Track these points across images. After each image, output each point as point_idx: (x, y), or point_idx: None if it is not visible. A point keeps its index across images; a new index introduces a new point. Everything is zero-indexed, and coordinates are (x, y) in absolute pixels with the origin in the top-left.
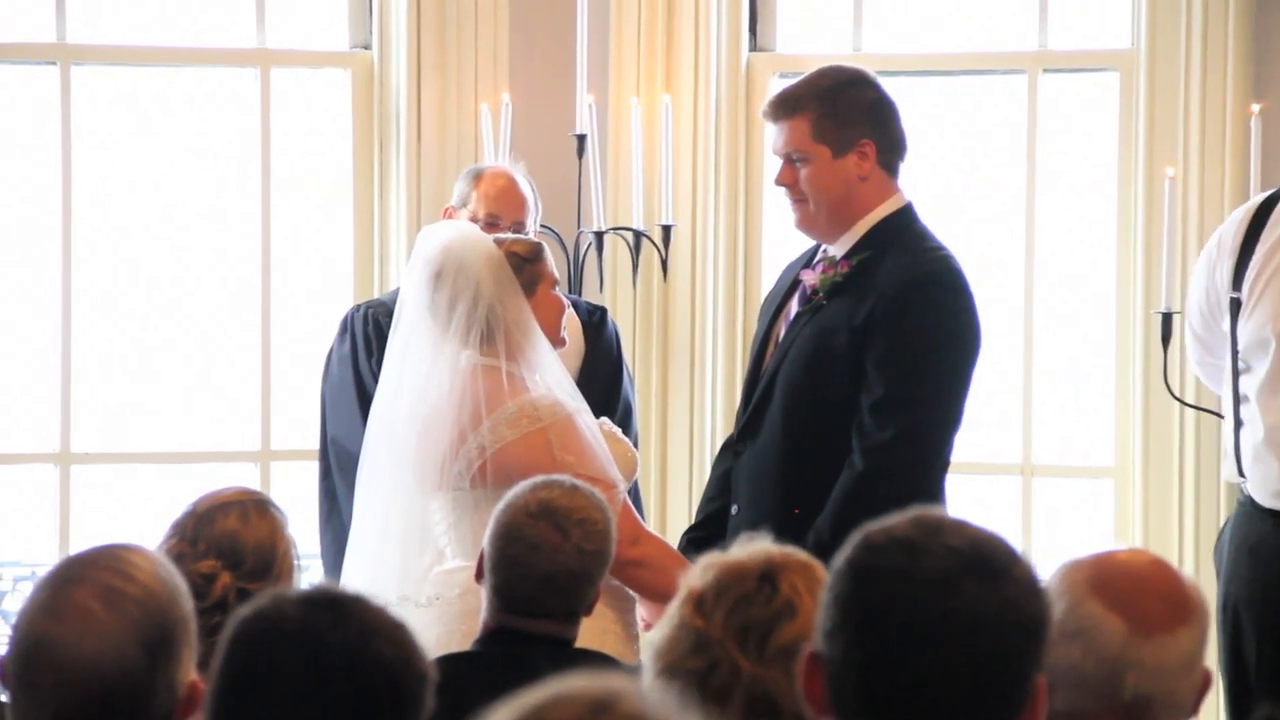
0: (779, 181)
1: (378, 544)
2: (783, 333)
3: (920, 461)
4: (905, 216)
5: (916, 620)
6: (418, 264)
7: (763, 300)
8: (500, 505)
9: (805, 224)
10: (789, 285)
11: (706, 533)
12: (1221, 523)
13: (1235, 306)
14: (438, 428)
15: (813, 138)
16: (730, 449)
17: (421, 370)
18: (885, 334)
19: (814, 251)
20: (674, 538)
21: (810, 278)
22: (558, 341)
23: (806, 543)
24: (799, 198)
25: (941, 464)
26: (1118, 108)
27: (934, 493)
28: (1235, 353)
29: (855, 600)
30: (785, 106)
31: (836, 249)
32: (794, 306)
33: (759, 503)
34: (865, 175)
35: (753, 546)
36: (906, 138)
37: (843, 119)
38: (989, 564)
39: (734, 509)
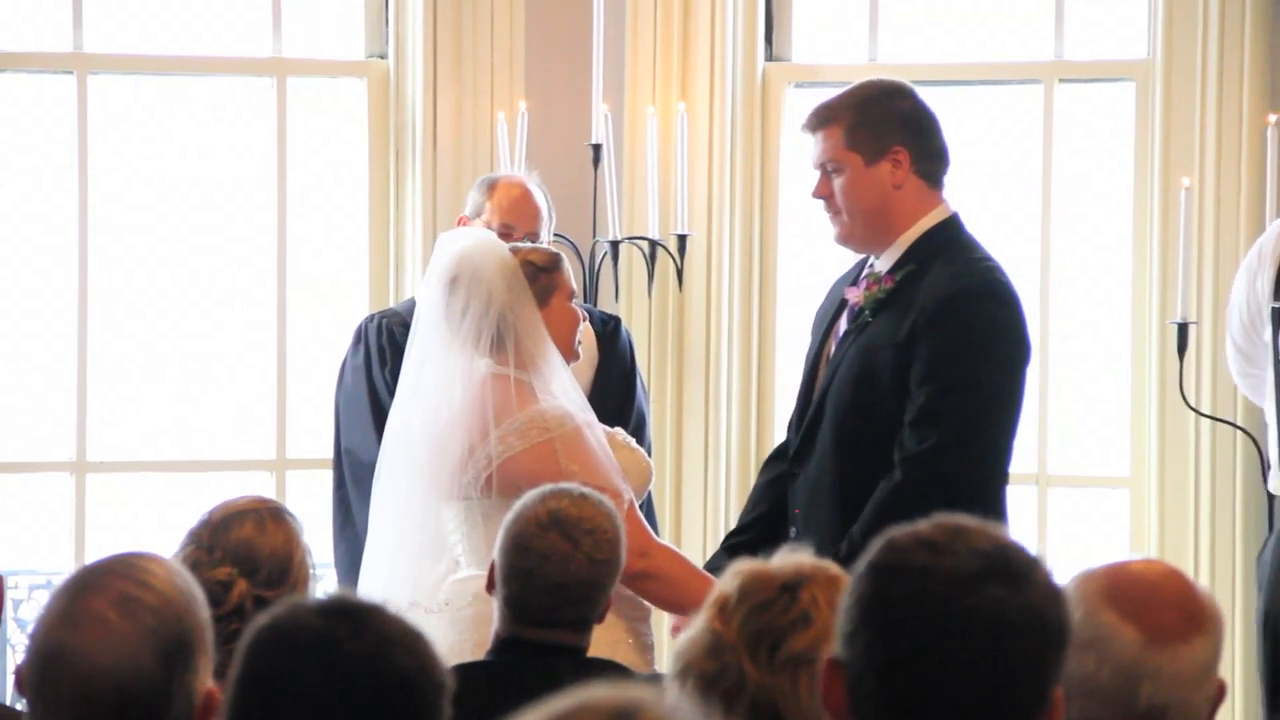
0: (815, 194)
1: (392, 551)
2: (833, 351)
3: (960, 474)
4: (951, 227)
5: (938, 618)
6: (435, 270)
7: (779, 313)
8: (509, 516)
9: (843, 236)
10: (839, 302)
11: (746, 537)
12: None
13: (1276, 316)
14: (450, 436)
15: (845, 146)
16: (777, 459)
17: (436, 377)
18: (926, 348)
19: (861, 266)
20: (689, 547)
21: (854, 295)
22: (571, 354)
23: (839, 551)
24: (835, 211)
25: (987, 476)
26: (1134, 118)
27: (978, 506)
28: (1278, 363)
29: (877, 599)
30: (820, 117)
31: (882, 263)
32: (843, 324)
33: (814, 525)
34: (900, 184)
35: (790, 557)
36: (948, 148)
37: (875, 127)
38: (1012, 567)
39: (792, 531)
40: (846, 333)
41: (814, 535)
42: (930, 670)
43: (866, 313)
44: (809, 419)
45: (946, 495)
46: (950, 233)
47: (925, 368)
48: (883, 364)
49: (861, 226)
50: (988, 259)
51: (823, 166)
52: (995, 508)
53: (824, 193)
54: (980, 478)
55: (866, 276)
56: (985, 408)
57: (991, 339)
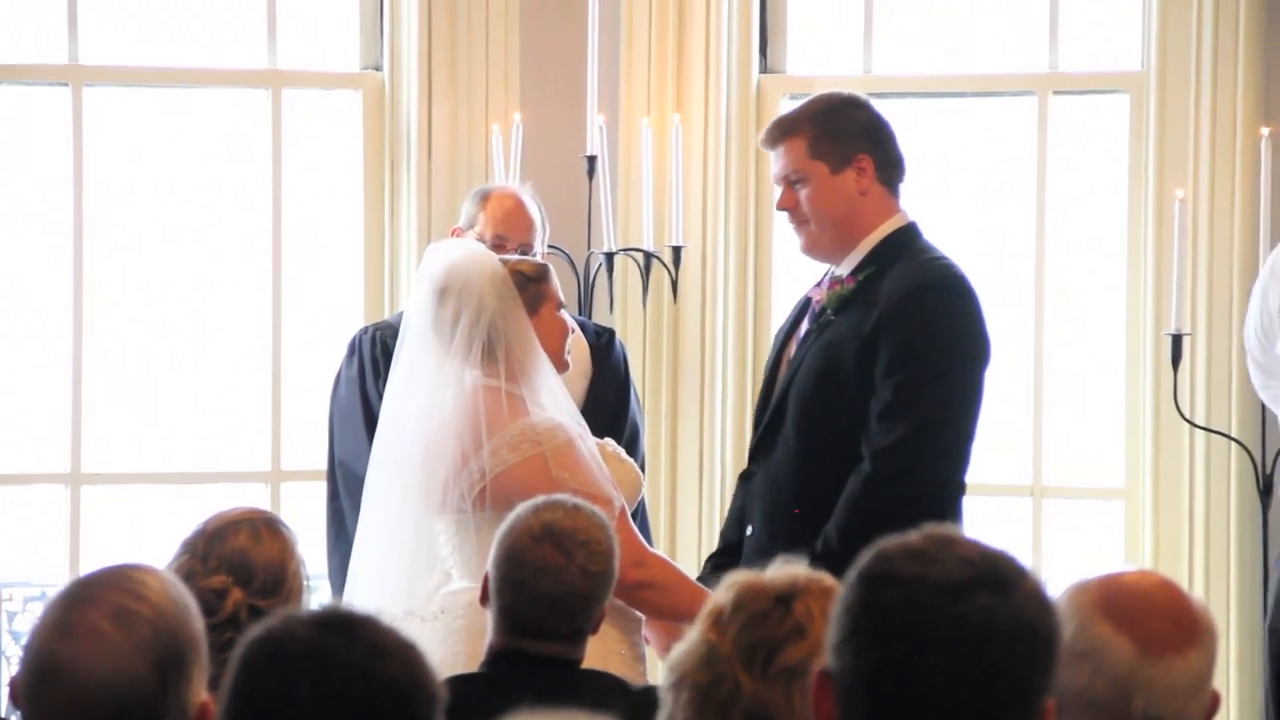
0: (780, 206)
1: (382, 561)
2: (793, 352)
3: (928, 464)
4: (909, 233)
5: (927, 626)
6: (423, 281)
7: (774, 324)
8: (503, 528)
9: (810, 247)
10: (801, 308)
11: (729, 560)
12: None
13: None
14: (440, 449)
15: (810, 156)
16: (745, 479)
17: (425, 388)
18: (890, 341)
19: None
20: (684, 559)
21: (817, 295)
22: (561, 364)
23: (815, 548)
24: (801, 220)
25: (951, 467)
26: (1128, 130)
27: (943, 498)
28: None
29: (866, 607)
30: (781, 130)
31: (843, 268)
32: (804, 326)
33: (773, 519)
34: (865, 190)
35: (785, 569)
36: (904, 158)
37: (838, 136)
38: (1001, 576)
39: (749, 529)
40: (808, 332)
41: (772, 528)
42: (919, 678)
43: (829, 311)
44: (769, 416)
45: (912, 485)
46: (909, 237)
47: (890, 360)
48: (847, 356)
49: (829, 235)
50: (945, 258)
51: (786, 179)
52: (953, 506)
53: (789, 204)
54: (945, 469)
55: (829, 277)
56: (949, 398)
57: (952, 331)
